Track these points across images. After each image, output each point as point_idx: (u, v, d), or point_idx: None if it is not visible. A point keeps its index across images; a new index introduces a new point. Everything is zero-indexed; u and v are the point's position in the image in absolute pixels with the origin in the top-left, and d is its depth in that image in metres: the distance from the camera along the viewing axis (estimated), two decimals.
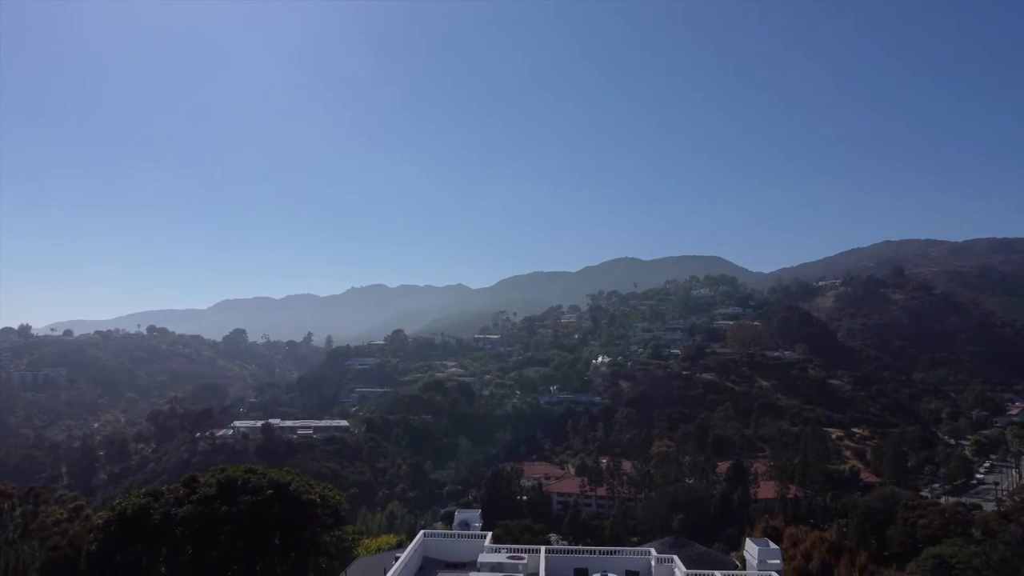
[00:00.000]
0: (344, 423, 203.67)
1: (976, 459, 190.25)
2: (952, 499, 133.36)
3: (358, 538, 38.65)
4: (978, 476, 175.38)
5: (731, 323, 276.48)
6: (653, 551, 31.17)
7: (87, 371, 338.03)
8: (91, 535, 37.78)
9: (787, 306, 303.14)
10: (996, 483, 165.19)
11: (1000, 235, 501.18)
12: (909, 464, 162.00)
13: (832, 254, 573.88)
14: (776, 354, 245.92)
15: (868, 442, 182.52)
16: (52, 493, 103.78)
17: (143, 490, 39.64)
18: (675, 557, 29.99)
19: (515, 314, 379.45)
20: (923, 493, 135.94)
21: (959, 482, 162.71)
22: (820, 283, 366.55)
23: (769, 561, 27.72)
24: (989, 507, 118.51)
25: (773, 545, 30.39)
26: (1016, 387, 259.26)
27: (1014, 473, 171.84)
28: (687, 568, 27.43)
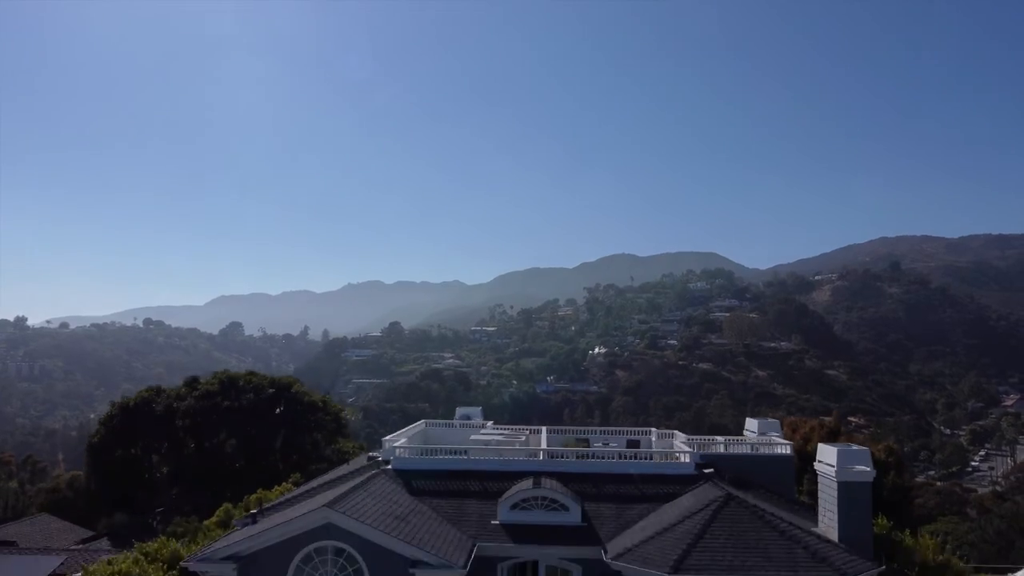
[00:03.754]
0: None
1: (971, 448, 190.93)
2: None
3: (360, 453, 38.61)
4: (973, 464, 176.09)
5: (727, 315, 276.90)
6: (654, 430, 31.91)
7: (83, 362, 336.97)
8: (95, 430, 37.97)
9: (783, 298, 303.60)
10: (991, 468, 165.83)
11: (996, 231, 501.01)
12: (905, 450, 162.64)
13: (828, 250, 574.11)
14: (772, 345, 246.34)
15: (864, 430, 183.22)
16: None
17: (145, 388, 39.94)
18: (676, 432, 30.51)
19: (511, 307, 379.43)
20: (919, 479, 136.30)
21: (954, 468, 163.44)
22: (816, 277, 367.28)
23: (770, 433, 27.94)
24: (984, 492, 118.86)
25: (773, 420, 30.79)
26: (1011, 379, 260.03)
27: (1009, 461, 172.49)
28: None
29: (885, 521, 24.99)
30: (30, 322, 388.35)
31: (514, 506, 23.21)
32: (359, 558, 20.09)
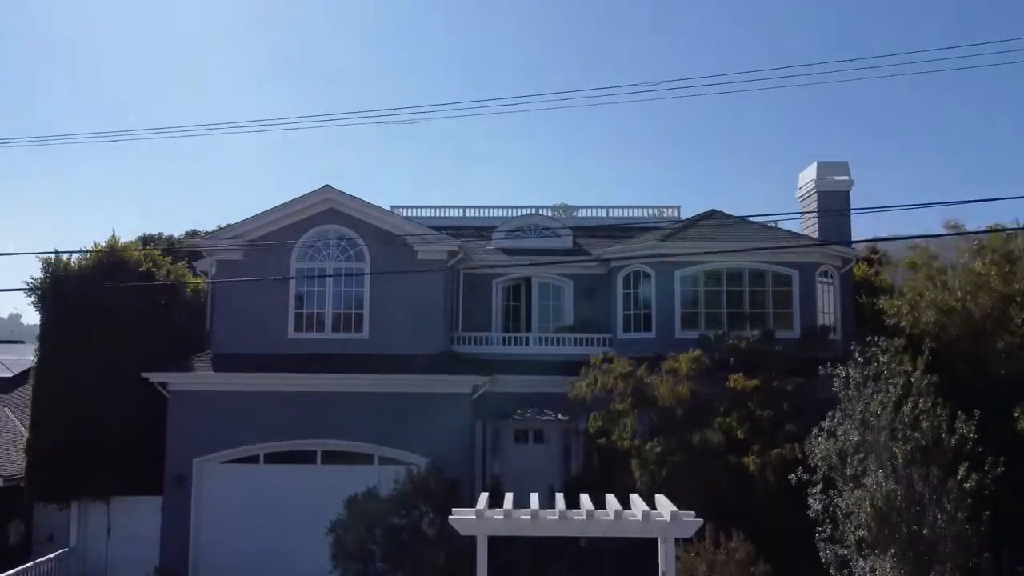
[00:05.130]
0: None
1: None
2: None
3: None
4: None
5: None
6: None
7: None
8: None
9: None
10: None
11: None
12: None
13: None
14: None
15: None
16: None
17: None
18: None
19: None
20: None
21: None
22: None
23: None
24: None
25: None
26: None
27: None
28: None
29: (866, 267, 26.00)
30: (24, 320, 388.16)
31: (508, 234, 24.20)
32: (360, 241, 21.01)
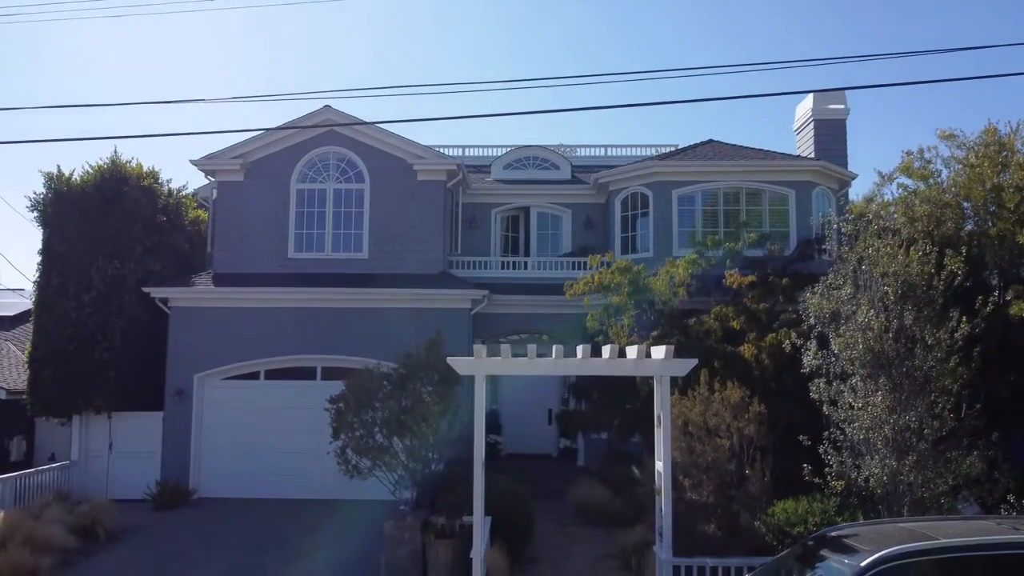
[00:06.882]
0: None
1: None
2: None
3: None
4: None
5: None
6: None
7: None
8: None
9: None
10: None
11: None
12: None
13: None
14: None
15: None
16: None
17: None
18: None
19: None
20: None
21: None
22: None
23: None
24: None
25: None
26: None
27: None
28: None
29: (864, 204, 26.16)
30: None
31: (507, 166, 24.35)
32: (360, 162, 21.14)
